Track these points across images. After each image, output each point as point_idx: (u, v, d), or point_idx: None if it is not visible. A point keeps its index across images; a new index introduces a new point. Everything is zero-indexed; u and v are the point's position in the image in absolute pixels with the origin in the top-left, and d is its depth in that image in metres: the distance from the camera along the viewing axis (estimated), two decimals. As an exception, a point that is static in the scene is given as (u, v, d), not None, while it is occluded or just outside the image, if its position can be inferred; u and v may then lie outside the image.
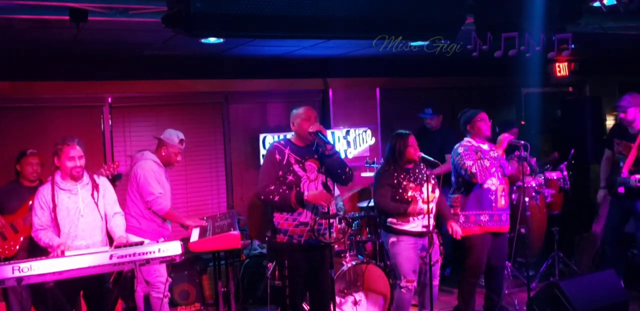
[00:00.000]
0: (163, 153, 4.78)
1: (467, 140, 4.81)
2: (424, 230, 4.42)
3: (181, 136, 4.84)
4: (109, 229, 4.14)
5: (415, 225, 4.46)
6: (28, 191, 4.53)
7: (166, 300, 4.75)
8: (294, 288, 4.09)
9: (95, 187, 4.11)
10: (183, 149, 4.88)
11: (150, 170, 4.65)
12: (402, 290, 4.50)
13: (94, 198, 4.08)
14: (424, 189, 4.45)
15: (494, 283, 4.90)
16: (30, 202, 4.45)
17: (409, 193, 4.43)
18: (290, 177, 4.01)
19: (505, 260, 5.00)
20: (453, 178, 4.86)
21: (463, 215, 4.74)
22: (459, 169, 4.67)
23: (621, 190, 5.22)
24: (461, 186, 4.79)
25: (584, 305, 4.34)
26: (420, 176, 4.51)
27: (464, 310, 4.82)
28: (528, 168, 4.82)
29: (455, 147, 4.79)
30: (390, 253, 4.59)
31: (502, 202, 4.73)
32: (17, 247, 4.50)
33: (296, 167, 4.03)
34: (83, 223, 4.01)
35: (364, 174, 6.12)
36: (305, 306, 4.54)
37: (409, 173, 4.51)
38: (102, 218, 4.11)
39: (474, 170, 4.56)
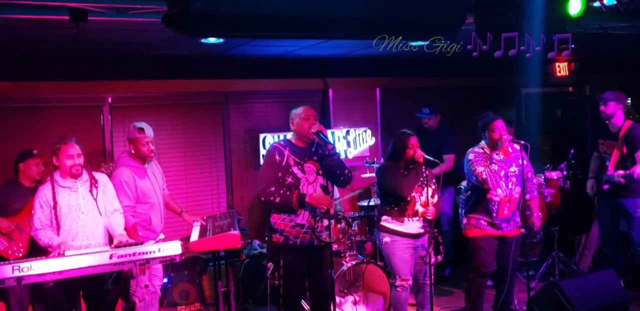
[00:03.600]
0: (133, 151, 4.63)
1: (480, 147, 4.78)
2: (421, 231, 4.43)
3: (140, 125, 4.63)
4: (107, 226, 4.13)
5: (409, 226, 4.46)
6: (30, 192, 4.50)
7: (142, 304, 4.69)
8: (290, 288, 4.09)
9: (93, 183, 4.10)
10: (150, 138, 4.64)
11: (118, 181, 4.45)
12: (398, 288, 4.50)
13: (92, 195, 4.07)
14: (424, 192, 4.46)
15: (500, 282, 4.87)
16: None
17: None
18: (290, 179, 4.00)
19: (512, 262, 4.85)
20: (466, 182, 4.89)
21: (465, 217, 4.80)
22: (470, 175, 4.68)
23: (606, 187, 5.28)
24: (469, 189, 4.83)
25: (584, 305, 4.34)
26: (421, 178, 4.51)
27: None
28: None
29: (467, 152, 4.80)
30: (383, 252, 4.59)
31: (505, 211, 4.69)
32: (25, 249, 4.46)
33: (295, 169, 4.03)
34: (84, 220, 4.00)
35: (364, 175, 6.13)
36: (305, 306, 4.54)
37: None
38: (102, 215, 4.10)
39: (484, 176, 4.56)
